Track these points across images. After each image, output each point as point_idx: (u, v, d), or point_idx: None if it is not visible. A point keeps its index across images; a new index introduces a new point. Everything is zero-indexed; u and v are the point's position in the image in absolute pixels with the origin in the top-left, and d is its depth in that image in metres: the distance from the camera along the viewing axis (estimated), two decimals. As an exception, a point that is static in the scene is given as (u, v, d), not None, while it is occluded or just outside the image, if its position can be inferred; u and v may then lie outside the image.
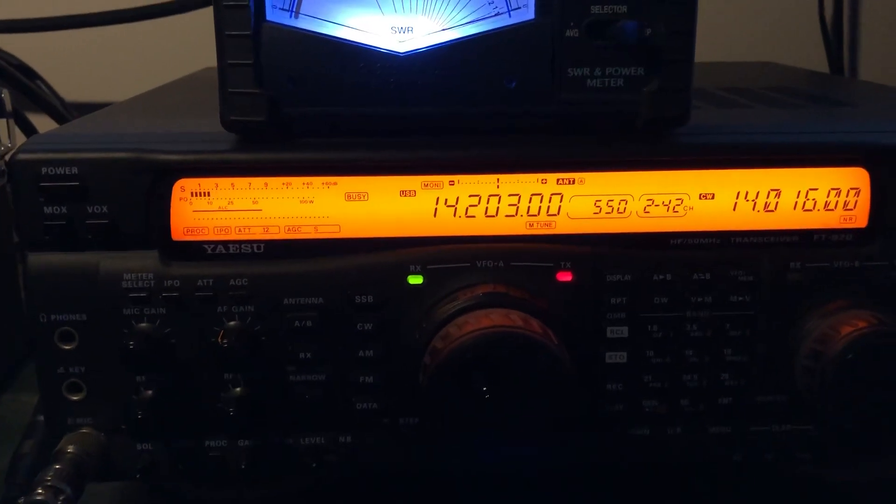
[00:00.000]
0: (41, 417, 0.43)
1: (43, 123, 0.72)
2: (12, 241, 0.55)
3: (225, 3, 0.36)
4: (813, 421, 0.41)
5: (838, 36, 0.83)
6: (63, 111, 0.76)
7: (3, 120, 0.58)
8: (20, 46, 0.77)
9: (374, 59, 0.37)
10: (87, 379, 0.39)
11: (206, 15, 0.69)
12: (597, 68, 0.37)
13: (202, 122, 0.42)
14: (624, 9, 0.37)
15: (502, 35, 0.37)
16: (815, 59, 0.83)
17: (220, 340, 0.37)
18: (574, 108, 0.38)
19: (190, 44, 0.79)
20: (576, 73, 0.38)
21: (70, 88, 0.83)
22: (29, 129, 0.71)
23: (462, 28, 0.37)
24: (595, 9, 0.37)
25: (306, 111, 0.38)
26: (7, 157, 0.57)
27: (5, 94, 0.58)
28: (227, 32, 0.36)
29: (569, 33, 0.37)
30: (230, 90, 0.37)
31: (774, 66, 0.73)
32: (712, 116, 0.45)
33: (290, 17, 0.37)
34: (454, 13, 0.37)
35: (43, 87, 0.81)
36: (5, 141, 0.58)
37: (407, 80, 0.37)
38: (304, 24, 0.37)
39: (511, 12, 0.37)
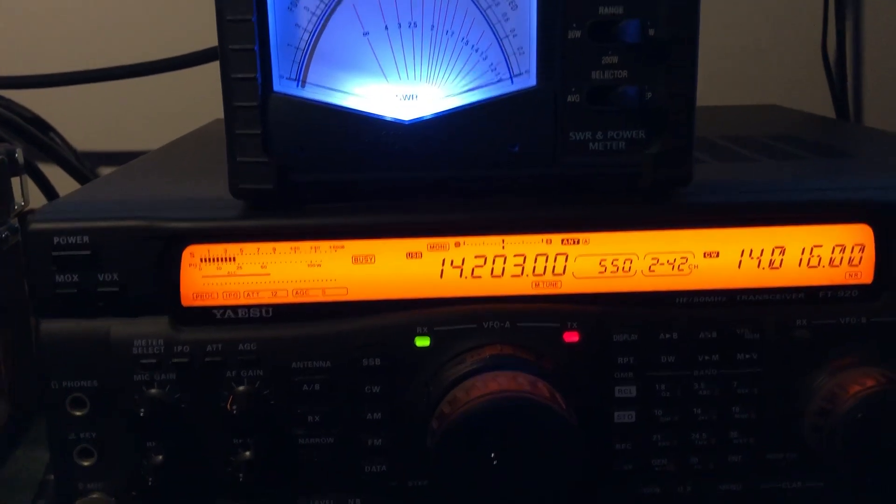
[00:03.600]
0: (52, 476, 0.44)
1: (55, 174, 0.73)
2: (23, 295, 0.56)
3: (233, 76, 0.37)
4: (823, 478, 0.41)
5: (842, 76, 0.83)
6: (76, 162, 0.77)
7: (17, 177, 0.59)
8: (33, 98, 0.78)
9: (380, 127, 0.38)
10: (98, 444, 0.39)
11: (212, 68, 0.71)
12: (598, 132, 0.38)
13: (212, 185, 0.43)
14: (625, 74, 0.37)
15: (505, 101, 0.38)
16: (819, 99, 0.83)
17: (229, 406, 0.38)
18: (577, 170, 0.38)
19: (199, 95, 0.80)
20: (578, 137, 0.38)
21: (83, 139, 0.84)
22: (42, 182, 0.72)
23: (466, 95, 0.38)
24: (596, 74, 0.37)
25: (314, 178, 0.38)
26: (19, 214, 0.59)
27: (19, 153, 0.59)
28: (235, 103, 0.37)
29: (570, 98, 0.38)
30: (239, 159, 0.38)
31: (779, 110, 0.73)
32: (715, 171, 0.45)
33: (297, 86, 0.38)
34: (458, 80, 0.38)
35: (56, 139, 0.82)
36: (18, 199, 0.59)
37: (413, 146, 0.38)
38: (311, 93, 0.38)
39: (513, 79, 0.38)
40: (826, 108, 0.83)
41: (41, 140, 0.74)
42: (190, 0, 0.81)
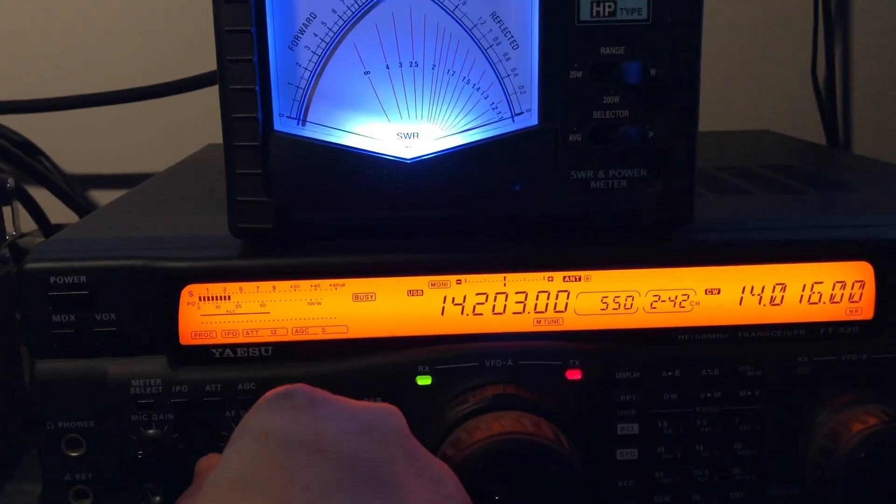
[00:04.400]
0: (44, 512, 0.43)
1: (45, 197, 0.73)
2: (13, 325, 0.55)
3: (233, 115, 0.36)
4: (825, 514, 0.41)
5: (832, 100, 0.84)
6: (66, 187, 0.76)
7: (8, 206, 0.59)
8: (22, 122, 0.78)
9: (381, 166, 0.38)
10: (95, 486, 0.39)
11: (205, 94, 0.71)
12: (600, 171, 0.38)
13: (209, 221, 0.43)
14: (626, 113, 0.37)
15: (507, 140, 0.38)
16: (809, 123, 0.84)
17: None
18: (578, 209, 0.38)
19: (191, 119, 0.80)
20: (579, 176, 0.38)
21: (72, 162, 0.83)
22: (32, 207, 0.71)
23: (467, 134, 0.38)
24: (597, 114, 0.37)
25: (314, 217, 0.38)
26: (11, 243, 0.58)
27: (11, 182, 0.59)
28: (235, 143, 0.37)
29: (572, 138, 0.38)
30: (239, 198, 0.37)
31: (771, 136, 0.74)
32: (714, 206, 0.45)
33: (298, 125, 0.38)
34: (459, 119, 0.38)
35: (45, 163, 0.82)
36: (10, 228, 0.58)
37: (414, 184, 0.38)
38: (312, 132, 0.38)
39: (514, 118, 0.38)
40: (815, 133, 0.83)
41: (30, 164, 0.73)
42: (180, 25, 0.80)
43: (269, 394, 0.33)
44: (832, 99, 0.84)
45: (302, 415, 0.31)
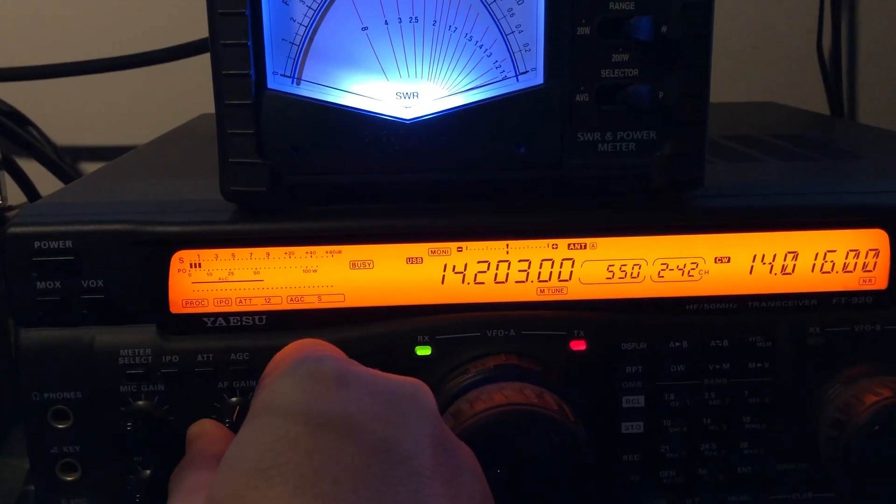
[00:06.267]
0: (32, 487, 0.42)
1: (34, 169, 0.71)
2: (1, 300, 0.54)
3: (225, 72, 0.35)
4: (835, 489, 0.40)
5: (837, 72, 0.82)
6: (56, 158, 0.75)
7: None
8: (10, 91, 0.76)
9: (379, 127, 0.36)
10: (83, 458, 0.38)
11: (197, 62, 0.69)
12: (608, 133, 0.36)
13: (200, 185, 0.41)
14: (636, 72, 0.36)
15: (510, 100, 0.36)
16: (813, 94, 0.82)
17: (224, 421, 0.36)
18: (584, 173, 0.37)
19: (183, 89, 0.78)
20: (586, 138, 0.37)
21: (62, 133, 0.82)
22: (21, 178, 0.70)
23: (469, 93, 0.36)
24: (605, 73, 0.36)
25: (309, 180, 0.36)
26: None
27: (-3, 151, 0.57)
28: (227, 101, 0.35)
29: (579, 98, 0.36)
30: (231, 160, 0.36)
31: (776, 107, 0.72)
32: (723, 173, 0.44)
33: (292, 84, 0.36)
34: (461, 78, 0.36)
35: (35, 133, 0.80)
36: (-4, 197, 0.57)
37: (413, 146, 0.36)
38: (307, 91, 0.36)
39: (519, 77, 0.36)
40: (818, 104, 0.82)
41: (19, 135, 0.72)
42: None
43: (291, 357, 0.31)
44: (837, 70, 0.82)
45: (332, 391, 0.29)
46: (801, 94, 0.82)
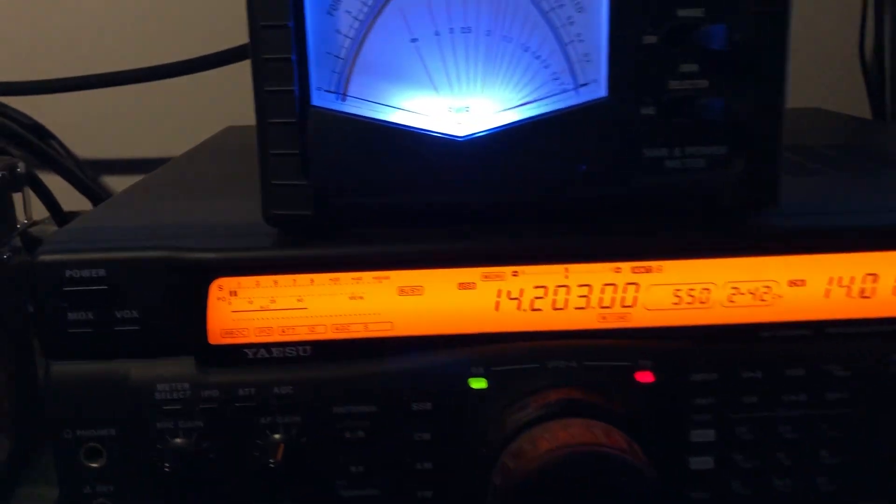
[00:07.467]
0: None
1: (56, 183, 0.69)
2: (27, 319, 0.52)
3: (267, 88, 0.33)
4: (920, 527, 0.37)
5: (880, 77, 0.80)
6: (78, 172, 0.73)
7: (19, 193, 0.55)
8: (32, 104, 0.74)
9: (430, 145, 0.34)
10: (116, 498, 0.36)
11: (219, 74, 0.67)
12: (675, 148, 0.34)
13: (237, 205, 0.39)
14: (705, 84, 0.33)
15: (570, 115, 0.34)
16: (854, 99, 0.80)
17: (267, 461, 0.34)
18: (651, 191, 0.34)
19: (207, 101, 0.76)
20: (652, 154, 0.34)
21: (85, 146, 0.80)
22: (43, 193, 0.68)
23: (525, 108, 0.34)
24: (674, 84, 0.33)
25: (356, 202, 0.34)
26: (23, 232, 0.54)
27: (21, 166, 0.55)
28: (269, 120, 0.33)
29: (644, 111, 0.34)
30: (273, 182, 0.34)
31: (823, 114, 0.70)
32: (787, 188, 0.41)
33: (338, 100, 0.34)
34: (516, 92, 0.34)
35: (57, 147, 0.78)
36: (21, 216, 0.55)
37: (466, 165, 0.34)
38: (353, 107, 0.34)
39: (578, 89, 0.34)
40: (861, 109, 0.80)
41: (41, 148, 0.70)
42: (195, 2, 0.76)
43: None
44: (880, 75, 0.80)
45: None
46: (841, 100, 0.80)
